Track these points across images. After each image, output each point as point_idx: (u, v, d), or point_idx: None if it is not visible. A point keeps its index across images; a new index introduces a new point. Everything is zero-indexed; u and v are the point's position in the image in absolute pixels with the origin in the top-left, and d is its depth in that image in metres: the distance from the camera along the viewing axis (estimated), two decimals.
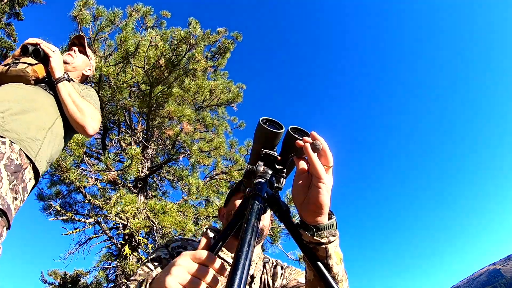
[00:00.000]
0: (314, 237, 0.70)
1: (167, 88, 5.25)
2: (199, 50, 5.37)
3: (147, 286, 0.73)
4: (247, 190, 0.71)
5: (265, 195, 0.67)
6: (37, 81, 1.69)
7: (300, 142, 0.69)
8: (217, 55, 6.05)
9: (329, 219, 0.72)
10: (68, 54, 1.98)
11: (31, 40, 1.74)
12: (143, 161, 5.38)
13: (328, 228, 0.71)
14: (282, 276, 1.23)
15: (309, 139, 0.69)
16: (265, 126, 0.73)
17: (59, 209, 6.15)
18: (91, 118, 1.68)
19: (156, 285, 0.68)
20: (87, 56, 2.05)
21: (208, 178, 5.93)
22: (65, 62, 1.88)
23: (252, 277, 1.20)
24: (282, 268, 1.26)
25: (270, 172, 0.74)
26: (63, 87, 1.65)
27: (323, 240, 0.70)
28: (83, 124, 1.66)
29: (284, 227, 5.17)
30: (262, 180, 0.71)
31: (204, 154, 5.06)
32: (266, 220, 1.28)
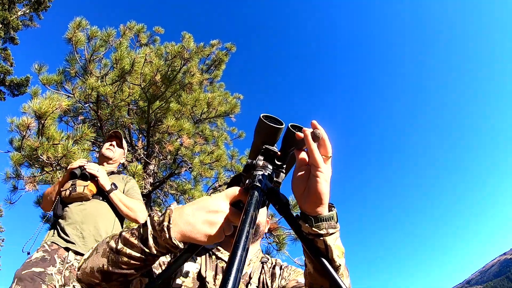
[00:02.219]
0: (313, 228, 0.69)
1: (165, 103, 5.29)
2: (194, 64, 5.41)
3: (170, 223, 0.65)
4: (247, 182, 0.70)
5: (265, 187, 0.67)
6: (93, 194, 2.23)
7: (300, 134, 0.69)
8: (212, 68, 6.09)
9: (329, 211, 0.72)
10: (109, 149, 2.57)
11: (75, 165, 2.23)
12: (145, 177, 5.39)
13: (328, 220, 0.70)
14: (281, 277, 1.20)
15: (310, 129, 0.69)
16: (267, 121, 0.74)
17: None
18: (140, 212, 2.24)
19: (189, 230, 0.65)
20: (123, 148, 2.65)
21: (211, 190, 5.93)
22: (108, 157, 2.53)
23: (250, 277, 1.18)
24: (281, 268, 1.24)
25: (270, 166, 0.74)
26: (114, 196, 2.19)
27: (321, 232, 0.69)
28: (136, 218, 2.23)
29: (290, 233, 5.17)
30: (262, 172, 0.71)
31: (205, 166, 5.08)
32: (262, 216, 1.26)
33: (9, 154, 4.84)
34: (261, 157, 0.76)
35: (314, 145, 0.68)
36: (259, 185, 0.65)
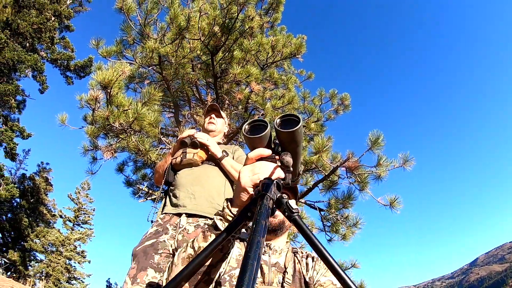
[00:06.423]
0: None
1: (228, 53, 5.14)
2: (251, 8, 5.14)
3: None
4: (255, 191, 0.73)
5: (273, 196, 0.68)
6: (202, 161, 2.27)
7: None
8: (270, 11, 5.76)
9: None
10: (210, 123, 2.56)
11: (185, 134, 2.26)
12: None
13: None
14: (313, 268, 1.26)
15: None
16: (247, 134, 0.76)
17: (147, 190, 6.56)
18: None
19: None
20: (222, 117, 2.65)
21: None
22: (211, 130, 2.52)
23: (285, 266, 1.25)
24: (313, 260, 1.30)
25: None
26: (225, 163, 2.20)
27: None
28: None
29: (372, 172, 4.89)
30: (269, 181, 0.71)
31: (278, 111, 4.93)
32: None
33: (83, 129, 5.15)
34: None
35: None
36: (268, 194, 0.66)
